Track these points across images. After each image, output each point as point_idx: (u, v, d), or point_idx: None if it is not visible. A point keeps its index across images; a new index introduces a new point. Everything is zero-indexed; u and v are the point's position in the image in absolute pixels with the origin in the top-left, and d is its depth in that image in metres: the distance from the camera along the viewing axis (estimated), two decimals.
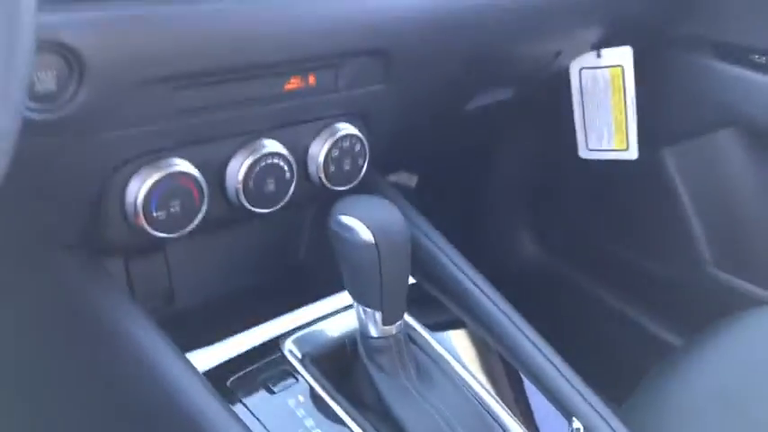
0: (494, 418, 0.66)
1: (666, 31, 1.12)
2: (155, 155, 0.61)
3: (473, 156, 1.43)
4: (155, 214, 0.61)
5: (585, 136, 1.08)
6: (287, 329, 0.69)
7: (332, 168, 0.72)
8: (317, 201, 0.80)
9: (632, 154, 1.05)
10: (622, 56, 1.01)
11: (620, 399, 0.83)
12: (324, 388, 0.64)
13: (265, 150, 0.66)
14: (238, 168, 0.65)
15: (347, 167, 0.73)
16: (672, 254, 1.24)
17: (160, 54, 0.56)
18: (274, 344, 0.67)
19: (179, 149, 0.62)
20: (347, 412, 0.62)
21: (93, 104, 0.54)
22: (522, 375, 0.72)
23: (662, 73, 1.15)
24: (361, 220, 0.59)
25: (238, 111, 0.64)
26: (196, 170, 0.62)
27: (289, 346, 0.67)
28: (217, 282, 0.78)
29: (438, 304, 0.77)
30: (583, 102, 1.06)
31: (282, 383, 0.64)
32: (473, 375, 0.70)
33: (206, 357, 0.64)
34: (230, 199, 0.67)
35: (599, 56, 1.02)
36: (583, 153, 1.09)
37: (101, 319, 0.63)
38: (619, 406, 0.80)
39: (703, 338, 0.91)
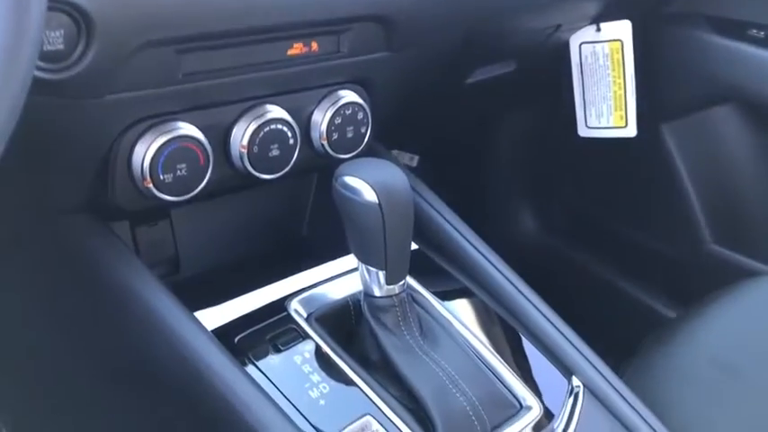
0: (496, 376, 0.67)
1: (664, 5, 1.13)
2: (160, 118, 0.61)
3: (473, 136, 1.43)
4: (162, 177, 0.61)
5: (585, 113, 1.08)
6: (292, 290, 0.70)
7: (334, 136, 0.72)
8: (320, 170, 0.81)
9: (631, 131, 1.05)
10: (622, 30, 1.01)
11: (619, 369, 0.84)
12: (329, 345, 0.65)
13: (269, 116, 0.66)
14: (242, 133, 0.65)
15: (350, 135, 0.73)
16: (670, 229, 1.25)
17: (166, 16, 0.57)
18: (280, 304, 0.68)
19: (184, 114, 0.63)
20: (352, 368, 0.63)
21: (100, 65, 0.54)
22: (523, 335, 0.73)
23: (660, 49, 1.15)
24: (365, 180, 0.60)
25: (242, 76, 0.64)
26: (201, 134, 0.63)
27: (294, 305, 0.68)
28: (222, 250, 0.79)
29: (440, 270, 0.78)
30: (582, 77, 1.06)
31: (289, 341, 0.64)
32: (475, 335, 0.70)
33: (213, 317, 0.65)
34: (235, 164, 0.67)
35: (598, 29, 1.02)
36: (582, 131, 1.09)
37: (109, 278, 0.64)
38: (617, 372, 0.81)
39: (700, 307, 0.92)
